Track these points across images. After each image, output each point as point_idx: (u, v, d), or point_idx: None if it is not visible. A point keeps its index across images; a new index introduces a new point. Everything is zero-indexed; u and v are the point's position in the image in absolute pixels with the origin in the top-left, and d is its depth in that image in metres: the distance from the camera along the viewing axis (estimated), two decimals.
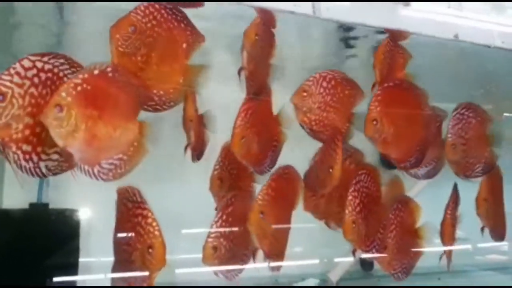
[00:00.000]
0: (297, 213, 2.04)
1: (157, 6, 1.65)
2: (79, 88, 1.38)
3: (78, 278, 2.27)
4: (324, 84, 2.01)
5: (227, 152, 2.07)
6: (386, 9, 2.11)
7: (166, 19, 1.68)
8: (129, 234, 1.62)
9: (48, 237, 2.27)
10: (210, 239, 1.82)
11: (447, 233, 2.19)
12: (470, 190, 2.31)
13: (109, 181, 1.49)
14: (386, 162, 2.87)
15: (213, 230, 1.83)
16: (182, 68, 1.73)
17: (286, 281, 2.60)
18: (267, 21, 1.94)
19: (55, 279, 2.18)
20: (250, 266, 1.94)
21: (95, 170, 1.46)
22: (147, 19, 1.63)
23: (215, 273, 1.85)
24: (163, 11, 1.67)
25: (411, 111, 2.09)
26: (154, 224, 1.60)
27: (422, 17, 2.19)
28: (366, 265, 2.89)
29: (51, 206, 2.40)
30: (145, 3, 1.62)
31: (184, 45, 1.74)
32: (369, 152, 2.40)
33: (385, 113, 1.96)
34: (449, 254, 2.23)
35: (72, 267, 2.29)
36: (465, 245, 2.63)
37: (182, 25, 1.72)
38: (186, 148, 2.05)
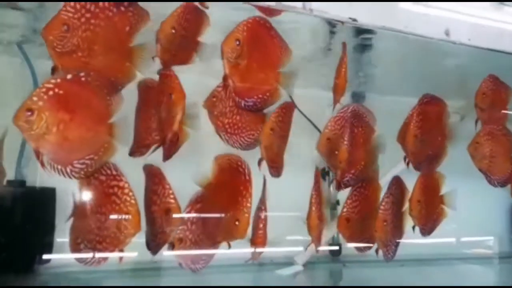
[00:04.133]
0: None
1: None
2: (50, 92, 1.48)
3: (53, 257, 2.35)
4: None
5: None
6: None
7: (103, 8, 1.66)
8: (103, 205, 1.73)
9: (23, 214, 2.33)
10: (177, 231, 1.92)
11: (313, 225, 2.26)
12: None
13: (80, 179, 1.61)
14: None
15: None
16: (127, 51, 1.74)
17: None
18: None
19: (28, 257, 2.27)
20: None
21: (68, 169, 1.57)
22: (79, 14, 1.62)
23: (180, 264, 1.95)
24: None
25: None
26: (131, 194, 1.74)
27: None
28: (334, 250, 2.99)
29: (28, 184, 2.45)
30: None
31: (127, 28, 1.74)
32: None
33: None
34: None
35: (46, 245, 2.37)
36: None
37: (122, 8, 1.72)
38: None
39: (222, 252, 2.05)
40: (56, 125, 1.46)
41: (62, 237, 2.32)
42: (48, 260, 2.39)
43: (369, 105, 3.19)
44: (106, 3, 1.67)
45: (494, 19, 2.38)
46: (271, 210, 2.16)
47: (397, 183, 2.39)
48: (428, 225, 2.42)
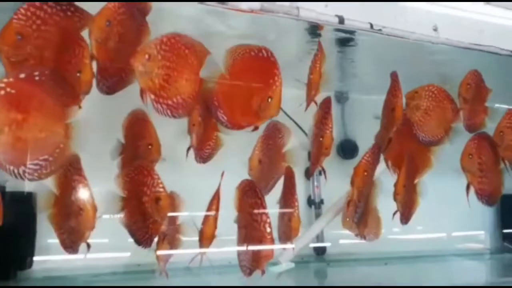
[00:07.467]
0: None
1: (37, 4, 1.62)
2: (2, 92, 1.45)
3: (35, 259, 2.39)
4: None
5: None
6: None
7: (51, 14, 1.64)
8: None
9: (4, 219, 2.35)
10: None
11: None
12: None
13: (34, 181, 1.57)
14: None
15: None
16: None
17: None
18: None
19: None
20: None
21: (20, 170, 1.53)
22: (31, 21, 1.60)
23: None
24: (45, 7, 1.64)
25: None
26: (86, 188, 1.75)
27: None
28: (319, 249, 2.99)
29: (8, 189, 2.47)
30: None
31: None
32: None
33: None
34: None
35: (28, 249, 2.40)
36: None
37: (69, 13, 1.68)
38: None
39: None
40: (7, 125, 1.44)
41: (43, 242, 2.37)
42: (30, 265, 2.42)
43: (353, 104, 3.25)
44: (53, 9, 1.64)
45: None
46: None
47: None
48: (406, 213, 2.40)
